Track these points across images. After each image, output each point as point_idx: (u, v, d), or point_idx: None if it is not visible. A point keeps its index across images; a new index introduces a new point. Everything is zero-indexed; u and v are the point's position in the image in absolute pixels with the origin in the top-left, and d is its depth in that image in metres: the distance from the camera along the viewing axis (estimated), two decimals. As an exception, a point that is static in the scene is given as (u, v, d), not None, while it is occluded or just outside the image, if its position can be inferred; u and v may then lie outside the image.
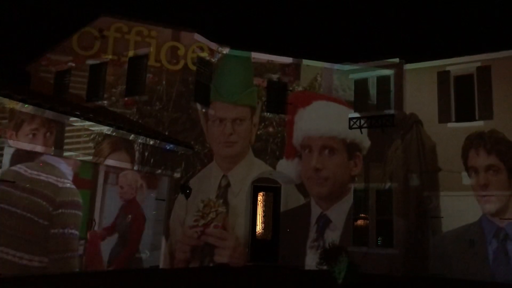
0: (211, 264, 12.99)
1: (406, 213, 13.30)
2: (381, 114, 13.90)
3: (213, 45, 14.07)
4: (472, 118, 13.17)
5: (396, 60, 14.16)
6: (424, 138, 13.60)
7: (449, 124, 13.42)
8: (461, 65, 13.61)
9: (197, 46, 13.68)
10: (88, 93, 14.31)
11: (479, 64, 13.34)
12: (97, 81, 14.25)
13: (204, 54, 13.87)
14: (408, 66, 14.16)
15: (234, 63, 14.29)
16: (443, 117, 13.52)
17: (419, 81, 14.00)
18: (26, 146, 9.02)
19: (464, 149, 13.04)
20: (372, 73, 14.47)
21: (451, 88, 13.67)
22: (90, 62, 14.40)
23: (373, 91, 14.45)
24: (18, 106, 8.79)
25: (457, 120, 13.40)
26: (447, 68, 13.74)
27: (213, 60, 14.14)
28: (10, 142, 8.76)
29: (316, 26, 24.73)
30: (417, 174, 13.44)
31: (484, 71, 13.22)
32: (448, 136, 13.31)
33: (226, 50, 14.25)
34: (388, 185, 13.55)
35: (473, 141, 12.94)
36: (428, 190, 13.28)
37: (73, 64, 14.67)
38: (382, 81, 14.34)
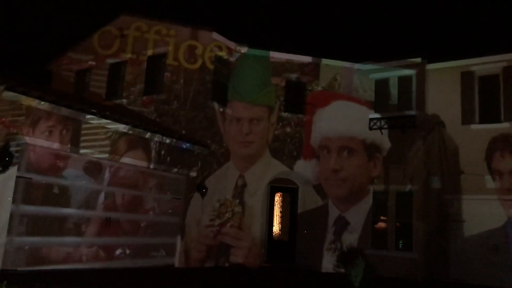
0: (226, 264, 12.92)
1: (426, 216, 12.97)
2: (402, 115, 13.59)
3: (231, 44, 14.01)
4: (497, 120, 12.75)
5: (418, 59, 13.82)
6: (446, 140, 13.23)
7: (473, 126, 13.02)
8: (486, 65, 13.20)
9: (215, 45, 13.63)
10: (107, 91, 14.43)
11: (505, 64, 12.92)
12: (116, 79, 14.37)
13: (222, 53, 13.82)
14: (430, 66, 13.80)
15: (252, 62, 14.19)
16: (467, 119, 13.13)
17: (442, 82, 13.64)
18: (43, 143, 9.09)
19: (488, 152, 12.64)
20: (393, 73, 14.16)
21: (475, 89, 13.27)
22: (110, 61, 14.52)
23: (394, 91, 14.14)
24: (34, 103, 8.87)
25: (481, 122, 12.99)
26: (472, 68, 13.35)
27: (231, 59, 14.07)
28: (27, 139, 8.84)
29: (336, 25, 24.43)
30: (439, 177, 13.09)
31: (511, 71, 12.78)
32: (472, 138, 12.91)
33: (244, 49, 14.16)
34: (408, 187, 13.23)
35: (498, 143, 12.53)
36: (449, 193, 12.92)
37: (94, 63, 14.83)
38: (404, 81, 14.03)
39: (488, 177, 12.51)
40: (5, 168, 8.43)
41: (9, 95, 8.57)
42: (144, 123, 11.38)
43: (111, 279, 9.02)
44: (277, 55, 14.37)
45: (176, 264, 11.91)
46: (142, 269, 10.75)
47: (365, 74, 14.47)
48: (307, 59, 14.55)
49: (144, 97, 13.59)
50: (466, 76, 13.35)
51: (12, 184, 8.55)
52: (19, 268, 8.64)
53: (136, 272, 10.22)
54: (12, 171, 8.54)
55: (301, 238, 13.90)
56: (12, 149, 8.54)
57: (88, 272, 9.51)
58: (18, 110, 8.83)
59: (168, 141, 11.77)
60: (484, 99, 13.15)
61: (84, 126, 9.94)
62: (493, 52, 13.06)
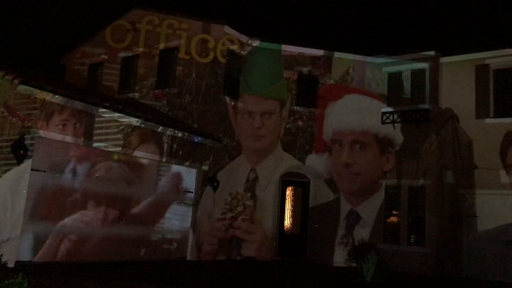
0: (238, 258, 12.96)
1: (439, 211, 12.86)
2: (415, 109, 13.46)
3: (243, 38, 13.96)
4: (512, 114, 12.56)
5: (432, 53, 13.64)
6: (460, 134, 13.08)
7: (487, 120, 12.84)
8: (501, 58, 12.96)
9: (227, 38, 13.60)
10: (120, 85, 14.51)
11: (521, 57, 12.70)
12: (128, 73, 14.44)
13: (234, 47, 13.78)
14: (444, 59, 13.61)
15: (264, 56, 14.14)
16: (481, 113, 12.95)
17: (456, 75, 13.45)
18: (56, 136, 9.17)
19: (502, 146, 12.47)
20: (406, 66, 14.02)
21: (490, 82, 13.06)
22: (122, 54, 14.58)
23: (407, 84, 14.00)
24: (48, 97, 8.95)
25: (496, 116, 12.80)
26: (487, 62, 13.13)
27: (243, 52, 14.03)
28: (41, 132, 8.93)
29: (348, 17, 24.21)
30: (452, 171, 12.96)
31: (527, 64, 12.57)
32: (486, 132, 12.74)
33: (256, 43, 14.11)
34: (421, 182, 13.13)
35: (513, 138, 12.35)
36: (463, 188, 12.78)
37: (106, 57, 14.90)
38: (417, 75, 13.88)
39: (502, 172, 12.35)
40: (20, 161, 8.52)
41: (23, 88, 8.66)
42: (157, 117, 11.42)
43: (123, 272, 9.10)
44: (289, 49, 14.29)
45: (188, 257, 11.99)
46: (154, 262, 10.84)
47: (378, 67, 14.34)
48: (319, 52, 14.45)
49: (156, 91, 13.65)
50: (481, 70, 13.16)
51: (27, 176, 8.65)
52: (34, 260, 8.76)
53: (148, 265, 10.30)
54: (27, 164, 8.64)
55: (313, 232, 13.91)
56: (27, 142, 8.63)
57: (100, 265, 9.61)
58: (32, 104, 8.92)
59: (180, 134, 11.81)
60: (499, 92, 12.94)
61: (97, 119, 10.02)
62: (508, 45, 12.83)
